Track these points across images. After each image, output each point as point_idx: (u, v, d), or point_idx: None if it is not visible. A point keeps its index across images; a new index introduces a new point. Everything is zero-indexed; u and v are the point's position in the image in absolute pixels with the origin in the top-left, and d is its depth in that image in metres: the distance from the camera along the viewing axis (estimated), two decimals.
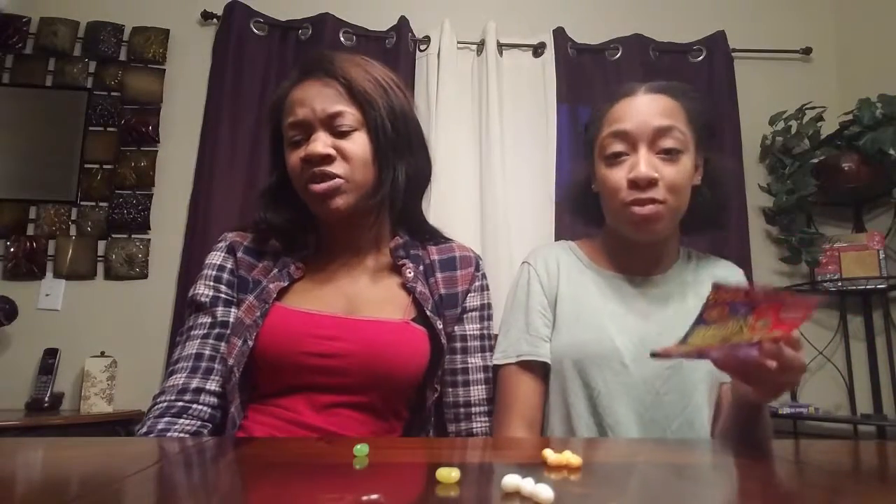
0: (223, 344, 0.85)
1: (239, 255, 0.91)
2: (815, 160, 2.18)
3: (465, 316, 0.94)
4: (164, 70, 2.32)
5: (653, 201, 0.85)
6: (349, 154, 0.84)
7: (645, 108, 0.88)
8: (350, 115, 0.84)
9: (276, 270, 0.89)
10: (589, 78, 2.37)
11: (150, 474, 0.46)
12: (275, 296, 0.85)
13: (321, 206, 0.85)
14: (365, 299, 0.89)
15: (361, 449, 0.49)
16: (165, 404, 0.80)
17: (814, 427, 2.20)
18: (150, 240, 2.20)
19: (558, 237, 2.15)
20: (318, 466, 0.49)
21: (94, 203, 2.22)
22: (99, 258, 2.19)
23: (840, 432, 2.21)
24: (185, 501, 0.38)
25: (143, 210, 2.21)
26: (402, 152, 0.89)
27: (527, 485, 0.35)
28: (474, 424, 0.91)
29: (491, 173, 2.21)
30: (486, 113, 2.26)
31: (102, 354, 2.00)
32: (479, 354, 0.94)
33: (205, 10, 2.36)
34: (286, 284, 0.87)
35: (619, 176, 0.88)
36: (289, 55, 2.32)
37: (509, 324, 0.97)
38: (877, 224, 2.28)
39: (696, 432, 0.86)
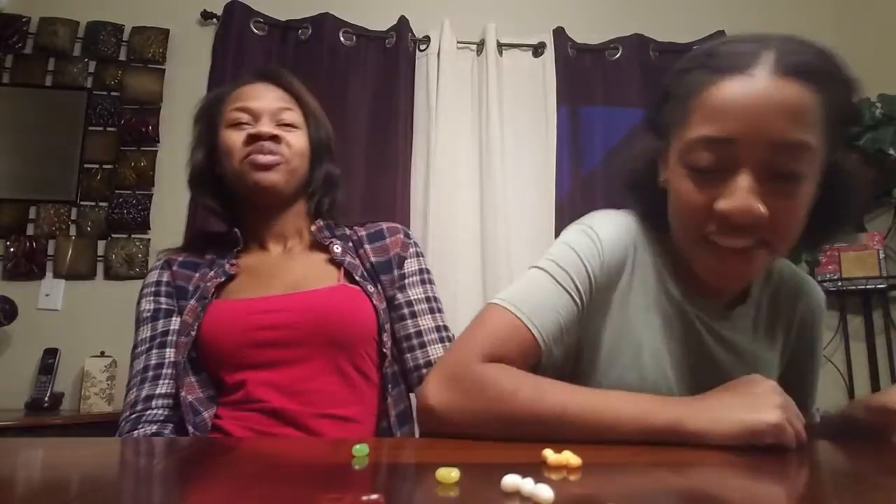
0: (168, 349, 0.88)
1: (174, 268, 0.96)
2: None
3: (405, 282, 0.97)
4: (164, 70, 2.32)
5: (748, 248, 0.60)
6: (290, 142, 0.93)
7: (764, 104, 0.57)
8: (295, 114, 0.96)
9: (211, 272, 0.93)
10: (589, 78, 2.38)
11: (149, 474, 0.46)
12: (213, 291, 0.89)
13: (257, 175, 0.90)
14: (301, 277, 0.92)
15: (361, 449, 0.49)
16: (123, 423, 0.85)
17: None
18: (150, 240, 2.21)
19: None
20: (319, 466, 0.49)
21: (93, 203, 2.22)
22: (99, 258, 2.19)
23: None
24: (184, 501, 0.38)
25: (143, 210, 2.21)
26: (326, 158, 1.01)
27: (527, 485, 0.35)
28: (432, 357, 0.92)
29: (491, 173, 2.21)
30: (486, 113, 2.26)
31: (102, 354, 2.00)
32: (429, 316, 0.95)
33: (205, 10, 2.36)
34: (223, 280, 0.91)
35: (704, 198, 0.60)
36: (289, 55, 2.32)
37: (537, 283, 0.69)
38: (877, 224, 2.28)
39: None
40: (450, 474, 0.38)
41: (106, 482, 0.44)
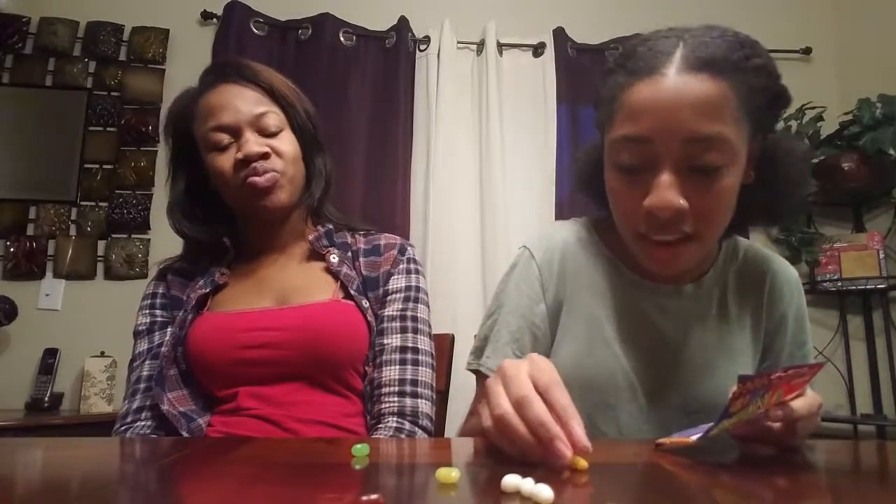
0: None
1: (169, 277, 0.95)
2: (815, 160, 2.18)
3: (387, 298, 0.93)
4: (164, 70, 2.32)
5: (676, 240, 0.63)
6: (282, 151, 0.88)
7: (675, 102, 0.59)
8: (275, 115, 0.89)
9: (201, 281, 0.92)
10: (589, 78, 2.37)
11: (150, 474, 0.46)
12: (194, 302, 0.88)
13: (261, 200, 0.87)
14: (293, 288, 0.91)
15: (361, 449, 0.49)
16: (114, 434, 0.86)
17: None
18: (149, 240, 2.21)
19: None
20: (318, 466, 0.49)
21: (94, 203, 2.22)
22: (99, 258, 2.19)
23: (840, 432, 2.21)
24: (184, 501, 0.38)
25: (143, 210, 2.21)
26: (319, 151, 0.96)
27: (527, 485, 0.35)
28: (383, 405, 0.87)
29: (491, 173, 2.21)
30: (486, 113, 2.26)
31: (102, 354, 2.00)
32: (399, 335, 0.90)
33: (205, 10, 2.36)
34: (208, 290, 0.90)
35: (632, 198, 0.64)
36: (289, 55, 2.32)
37: (499, 325, 0.80)
38: (876, 224, 2.28)
39: None
40: (450, 474, 0.38)
41: (106, 482, 0.44)
